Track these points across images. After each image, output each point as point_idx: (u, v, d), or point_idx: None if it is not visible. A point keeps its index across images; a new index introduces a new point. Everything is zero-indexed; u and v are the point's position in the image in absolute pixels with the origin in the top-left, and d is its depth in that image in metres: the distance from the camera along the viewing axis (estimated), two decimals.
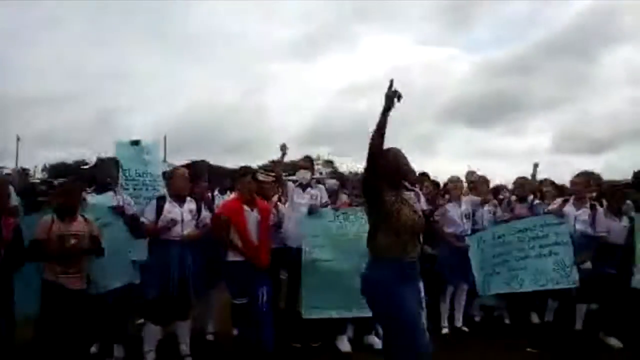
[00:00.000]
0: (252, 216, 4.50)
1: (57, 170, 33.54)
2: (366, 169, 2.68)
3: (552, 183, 6.39)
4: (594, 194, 5.59)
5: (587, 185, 5.33)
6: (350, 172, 15.82)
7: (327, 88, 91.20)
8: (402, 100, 2.57)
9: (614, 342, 4.87)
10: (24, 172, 18.15)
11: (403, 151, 2.90)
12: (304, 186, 5.09)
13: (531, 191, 6.02)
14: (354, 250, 4.65)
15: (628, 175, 7.63)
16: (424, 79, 75.35)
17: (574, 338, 4.96)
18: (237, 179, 4.69)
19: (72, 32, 75.41)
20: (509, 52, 79.49)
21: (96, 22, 77.92)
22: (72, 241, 3.55)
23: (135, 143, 4.91)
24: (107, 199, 4.30)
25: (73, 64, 71.50)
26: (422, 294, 3.13)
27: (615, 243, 5.00)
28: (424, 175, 5.95)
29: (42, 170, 35.60)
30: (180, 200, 4.34)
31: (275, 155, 5.61)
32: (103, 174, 4.53)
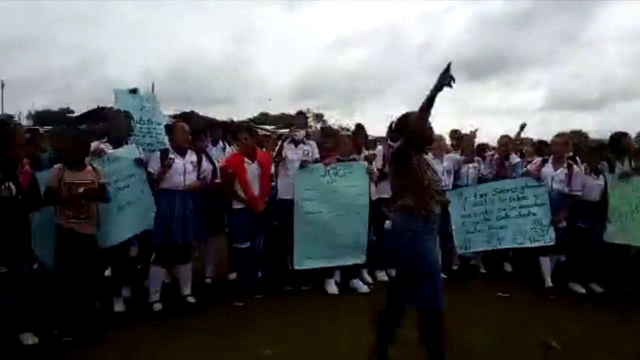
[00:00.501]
0: (251, 168, 4.89)
1: (42, 117, 33.14)
2: (406, 140, 2.94)
3: (533, 143, 6.71)
4: (571, 154, 5.90)
5: (566, 146, 5.63)
6: (341, 127, 16.00)
7: (316, 40, 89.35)
8: (453, 87, 2.75)
9: (577, 288, 5.36)
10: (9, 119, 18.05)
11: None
12: (296, 142, 5.33)
13: (514, 150, 6.37)
14: (342, 203, 5.07)
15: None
16: (418, 31, 74.36)
17: (542, 285, 5.43)
18: (237, 134, 4.95)
19: None
20: (506, 5, 77.95)
21: None
22: (80, 189, 3.81)
23: (134, 91, 4.96)
24: (132, 151, 4.49)
25: (58, 9, 68.63)
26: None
27: (590, 200, 5.39)
28: None
29: (27, 117, 35.08)
30: (182, 152, 4.60)
31: (262, 107, 5.85)
32: (118, 127, 4.64)
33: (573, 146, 6.07)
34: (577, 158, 5.84)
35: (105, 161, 4.25)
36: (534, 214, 5.29)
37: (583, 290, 5.35)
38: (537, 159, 5.80)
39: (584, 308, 4.90)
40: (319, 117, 38.92)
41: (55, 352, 3.60)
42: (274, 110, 41.10)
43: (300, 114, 5.93)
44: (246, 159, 4.93)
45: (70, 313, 3.88)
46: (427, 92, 2.76)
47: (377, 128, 5.61)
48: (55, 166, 3.89)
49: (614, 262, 5.43)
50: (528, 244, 5.35)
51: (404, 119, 3.12)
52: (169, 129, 4.91)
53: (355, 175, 5.16)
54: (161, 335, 3.92)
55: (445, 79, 2.74)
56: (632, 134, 7.12)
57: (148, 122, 4.89)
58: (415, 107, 2.85)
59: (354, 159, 5.38)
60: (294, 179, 5.09)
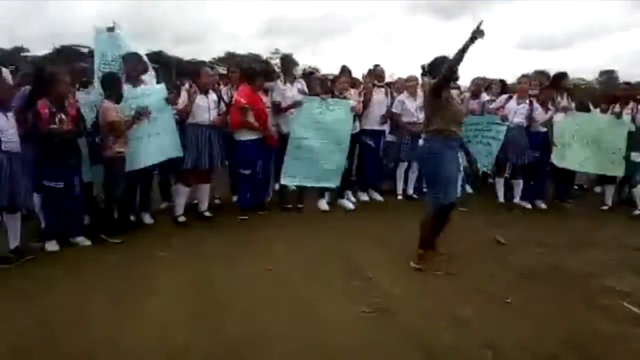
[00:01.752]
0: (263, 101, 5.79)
1: None
2: (441, 80, 3.95)
3: (501, 81, 7.70)
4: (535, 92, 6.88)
5: (528, 87, 6.63)
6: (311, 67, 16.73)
7: None
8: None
9: (524, 204, 6.59)
10: None
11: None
12: (291, 81, 6.24)
13: (483, 88, 7.37)
14: (329, 133, 5.97)
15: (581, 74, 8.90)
16: None
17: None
18: (253, 75, 5.76)
19: None
20: None
21: None
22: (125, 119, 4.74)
23: (111, 29, 5.38)
24: (162, 90, 5.29)
25: None
26: (461, 161, 4.57)
27: (542, 132, 6.50)
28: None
29: None
30: (205, 92, 5.44)
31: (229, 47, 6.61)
32: (134, 67, 5.27)
33: (537, 86, 7.00)
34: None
35: (139, 95, 5.04)
36: (489, 145, 6.36)
37: (529, 206, 6.59)
38: (502, 97, 6.81)
39: (527, 218, 6.14)
40: (288, 56, 38.87)
41: (108, 252, 4.58)
42: (241, 50, 40.44)
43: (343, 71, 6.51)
44: (261, 94, 5.78)
45: (113, 220, 4.89)
46: (462, 43, 3.71)
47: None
48: (105, 102, 4.75)
49: (559, 181, 6.76)
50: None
51: (436, 63, 4.12)
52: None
53: (342, 111, 6.02)
54: (185, 242, 4.91)
55: (478, 34, 3.66)
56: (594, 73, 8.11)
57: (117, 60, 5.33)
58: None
59: (345, 97, 6.17)
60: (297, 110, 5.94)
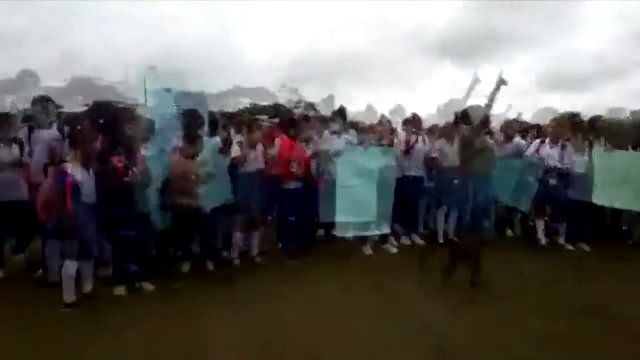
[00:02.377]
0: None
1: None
2: (480, 127, 4.67)
3: (536, 126, 8.02)
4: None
5: (561, 131, 6.93)
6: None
7: (307, 26, 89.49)
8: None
9: (567, 246, 6.77)
10: None
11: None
12: (337, 133, 6.75)
13: (517, 132, 7.64)
14: (374, 179, 6.25)
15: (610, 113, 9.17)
16: (413, 14, 75.64)
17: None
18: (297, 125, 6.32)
19: None
20: None
21: None
22: (193, 177, 5.21)
23: (168, 90, 5.84)
24: (217, 142, 5.82)
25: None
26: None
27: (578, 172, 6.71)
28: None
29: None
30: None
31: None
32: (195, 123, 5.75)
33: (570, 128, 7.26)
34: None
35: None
36: (525, 186, 6.61)
37: (571, 247, 6.77)
38: (537, 141, 7.10)
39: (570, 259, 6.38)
40: (311, 106, 40.23)
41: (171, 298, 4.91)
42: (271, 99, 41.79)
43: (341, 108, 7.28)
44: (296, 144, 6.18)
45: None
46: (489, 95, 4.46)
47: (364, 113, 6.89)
48: (175, 156, 5.26)
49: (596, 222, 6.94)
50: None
51: (466, 112, 4.75)
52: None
53: (385, 158, 6.38)
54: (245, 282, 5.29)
55: (501, 82, 4.39)
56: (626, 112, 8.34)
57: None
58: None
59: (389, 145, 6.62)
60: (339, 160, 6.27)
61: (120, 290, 4.90)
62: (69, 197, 4.45)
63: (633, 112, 7.35)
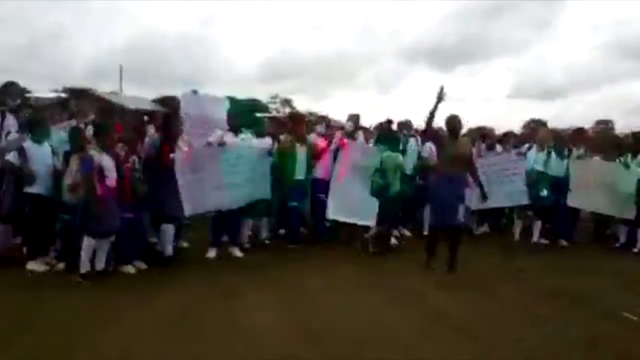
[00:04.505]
0: (300, 152, 6.71)
1: None
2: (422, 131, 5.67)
3: (515, 135, 8.73)
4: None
5: (548, 138, 7.67)
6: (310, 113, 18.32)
7: (287, 22, 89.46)
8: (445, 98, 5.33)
9: (543, 241, 7.44)
10: None
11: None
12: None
13: (497, 140, 8.39)
14: (365, 175, 6.80)
15: (577, 122, 10.03)
16: (389, 16, 76.77)
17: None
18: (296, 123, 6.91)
19: None
20: None
21: None
22: None
23: (195, 92, 6.46)
24: (267, 142, 6.49)
25: None
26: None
27: (561, 177, 7.35)
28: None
29: None
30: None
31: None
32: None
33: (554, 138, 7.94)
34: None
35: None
36: (513, 182, 7.22)
37: (545, 241, 7.46)
38: (525, 146, 7.86)
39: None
40: (287, 102, 40.40)
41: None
42: (240, 94, 41.64)
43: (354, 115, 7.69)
44: (298, 144, 6.69)
45: None
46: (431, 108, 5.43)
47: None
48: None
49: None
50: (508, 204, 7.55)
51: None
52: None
53: (373, 157, 6.87)
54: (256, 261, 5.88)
55: (442, 96, 5.32)
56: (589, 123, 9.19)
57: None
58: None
59: None
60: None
61: (130, 269, 5.39)
62: (96, 181, 4.97)
63: (598, 122, 8.21)
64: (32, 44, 67.28)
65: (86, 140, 5.42)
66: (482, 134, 8.49)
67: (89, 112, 6.01)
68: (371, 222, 6.69)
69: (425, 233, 7.47)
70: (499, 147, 8.20)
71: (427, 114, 5.51)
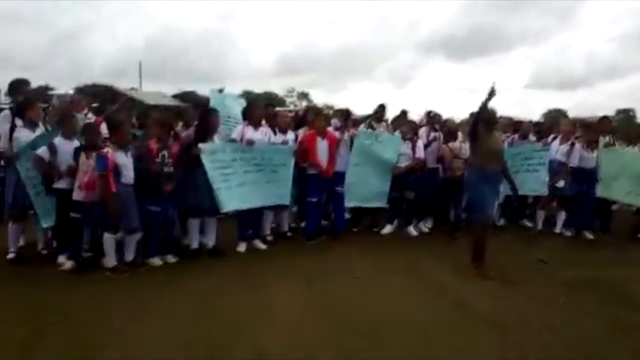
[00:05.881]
0: (322, 144, 6.73)
1: None
2: (472, 126, 5.46)
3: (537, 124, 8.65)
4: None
5: (573, 130, 7.57)
6: (326, 106, 18.10)
7: (303, 16, 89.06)
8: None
9: (567, 232, 7.40)
10: None
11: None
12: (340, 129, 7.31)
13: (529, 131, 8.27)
14: (377, 163, 6.97)
15: (597, 111, 9.83)
16: (405, 8, 76.22)
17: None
18: (314, 117, 6.90)
19: None
20: None
21: None
22: None
23: (221, 90, 6.84)
24: (288, 138, 6.64)
25: None
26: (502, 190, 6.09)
27: (588, 168, 7.29)
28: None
29: (5, 94, 34.92)
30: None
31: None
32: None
33: (579, 128, 7.84)
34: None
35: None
36: (537, 171, 7.17)
37: (569, 233, 7.39)
38: (550, 137, 7.71)
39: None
40: (304, 95, 40.24)
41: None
42: (257, 88, 41.37)
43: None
44: (319, 137, 6.73)
45: None
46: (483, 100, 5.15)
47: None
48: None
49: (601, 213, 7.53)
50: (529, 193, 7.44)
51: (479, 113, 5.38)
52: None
53: (390, 145, 7.04)
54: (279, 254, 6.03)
55: (492, 94, 5.08)
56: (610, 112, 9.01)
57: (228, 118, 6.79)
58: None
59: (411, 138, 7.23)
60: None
61: (157, 261, 5.52)
62: (111, 179, 5.04)
63: (619, 111, 8.05)
64: (53, 42, 68.55)
65: (99, 137, 5.47)
66: (514, 125, 8.39)
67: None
68: (382, 203, 7.04)
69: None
70: (532, 137, 8.08)
71: (477, 110, 5.31)
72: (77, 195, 5.24)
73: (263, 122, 6.63)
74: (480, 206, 5.35)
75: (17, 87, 6.11)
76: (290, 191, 6.43)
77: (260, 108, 6.79)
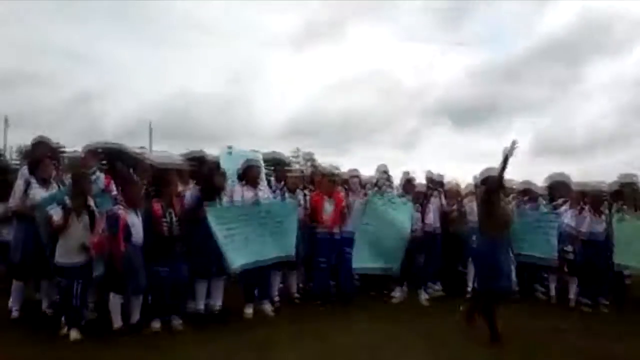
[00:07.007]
0: (329, 204, 6.81)
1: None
2: (488, 190, 5.26)
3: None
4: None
5: (582, 197, 7.46)
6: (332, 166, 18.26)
7: (312, 81, 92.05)
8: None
9: (584, 300, 7.10)
10: None
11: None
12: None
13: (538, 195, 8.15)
14: (390, 225, 6.91)
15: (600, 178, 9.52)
16: (412, 76, 79.53)
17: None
18: (320, 179, 7.02)
19: (45, 8, 72.69)
20: (497, 55, 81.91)
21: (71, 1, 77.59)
22: None
23: (230, 148, 6.82)
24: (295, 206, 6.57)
25: (44, 44, 70.41)
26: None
27: (596, 234, 7.16)
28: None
29: (17, 152, 34.81)
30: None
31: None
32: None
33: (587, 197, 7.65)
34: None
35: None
36: (546, 234, 7.03)
37: (586, 301, 7.09)
38: (559, 201, 7.67)
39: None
40: (310, 158, 40.74)
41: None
42: (264, 149, 41.79)
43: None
44: (326, 198, 6.83)
45: None
46: (501, 161, 4.98)
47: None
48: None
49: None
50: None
51: (486, 175, 5.37)
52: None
53: (403, 209, 7.03)
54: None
55: (511, 152, 4.92)
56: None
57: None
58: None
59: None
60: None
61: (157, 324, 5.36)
62: (121, 239, 5.01)
63: (622, 176, 7.85)
64: (66, 102, 71.46)
65: (89, 193, 5.35)
66: (524, 191, 8.12)
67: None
68: (395, 266, 6.81)
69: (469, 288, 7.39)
70: (542, 200, 7.97)
71: (499, 169, 5.08)
72: (62, 259, 5.06)
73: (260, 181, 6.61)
74: (498, 277, 5.14)
75: (34, 145, 6.24)
76: (294, 242, 6.31)
77: (257, 168, 6.66)
